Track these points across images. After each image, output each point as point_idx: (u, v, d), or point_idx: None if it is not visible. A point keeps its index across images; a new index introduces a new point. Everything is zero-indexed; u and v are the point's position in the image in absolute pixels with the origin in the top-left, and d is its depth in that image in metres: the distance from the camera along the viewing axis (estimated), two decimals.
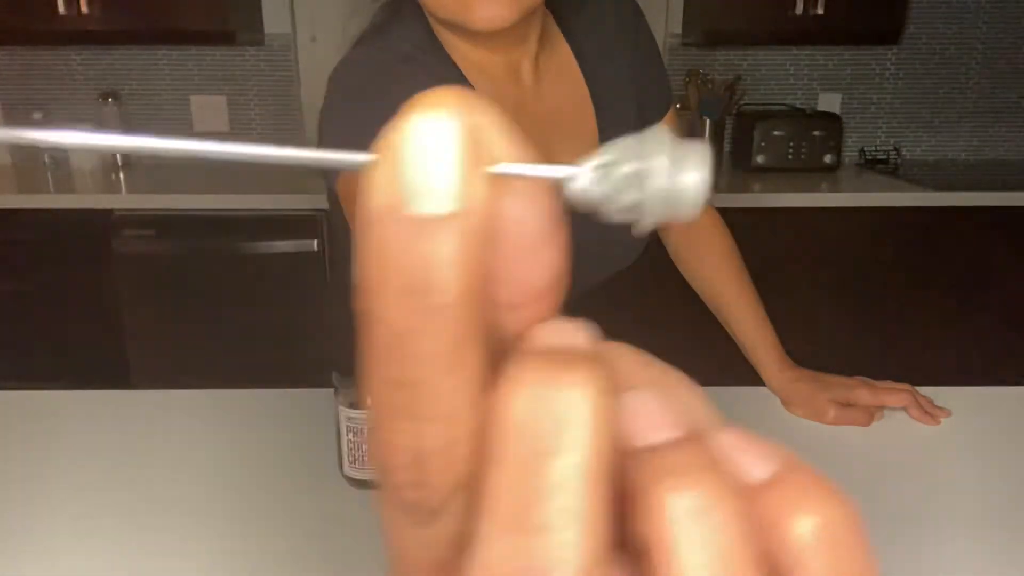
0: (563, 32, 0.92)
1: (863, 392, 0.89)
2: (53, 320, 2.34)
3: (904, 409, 0.89)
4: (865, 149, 2.81)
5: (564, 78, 0.91)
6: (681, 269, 1.07)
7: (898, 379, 0.92)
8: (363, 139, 0.67)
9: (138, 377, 2.36)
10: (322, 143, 0.82)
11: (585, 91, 0.92)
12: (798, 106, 2.75)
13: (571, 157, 0.61)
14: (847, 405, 0.89)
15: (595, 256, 0.90)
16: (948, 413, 0.89)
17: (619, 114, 0.93)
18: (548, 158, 0.70)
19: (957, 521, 0.69)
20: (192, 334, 2.32)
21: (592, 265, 0.92)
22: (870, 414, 0.88)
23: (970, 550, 0.65)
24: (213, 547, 0.65)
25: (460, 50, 0.85)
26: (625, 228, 0.71)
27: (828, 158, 2.59)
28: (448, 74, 0.83)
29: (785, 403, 0.93)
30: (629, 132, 0.60)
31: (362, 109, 0.78)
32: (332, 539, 0.66)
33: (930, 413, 0.88)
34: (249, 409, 0.91)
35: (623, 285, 1.14)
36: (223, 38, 2.41)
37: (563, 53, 0.92)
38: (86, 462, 0.79)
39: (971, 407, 0.91)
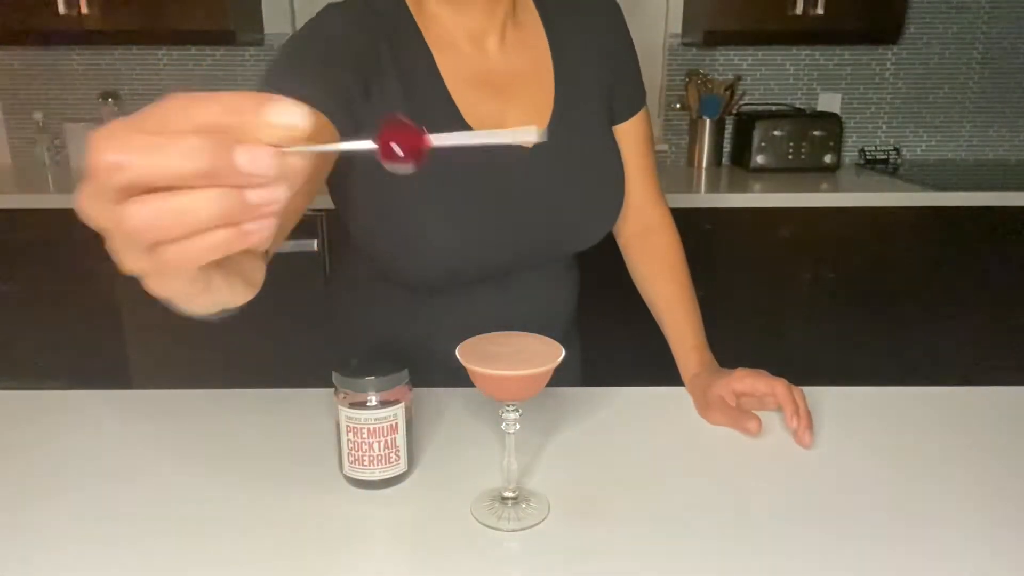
0: (536, 5, 0.96)
1: (751, 380, 0.86)
2: (53, 320, 2.34)
3: (783, 411, 0.84)
4: (865, 149, 2.82)
5: (529, 48, 0.93)
6: (628, 266, 1.07)
7: (898, 379, 0.92)
8: (304, 69, 0.73)
9: (138, 377, 2.36)
10: (273, 63, 0.78)
11: (548, 62, 0.94)
12: (798, 106, 2.75)
13: (525, 117, 0.79)
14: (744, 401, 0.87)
15: (547, 233, 0.93)
16: (809, 439, 0.82)
17: (581, 88, 0.95)
18: (500, 120, 0.76)
19: (957, 521, 0.69)
20: (192, 334, 2.32)
21: (544, 241, 0.94)
22: (750, 422, 0.83)
23: (970, 550, 0.65)
24: (213, 547, 0.65)
25: (429, 13, 0.88)
26: (577, 206, 0.84)
27: (828, 158, 2.59)
28: (409, 37, 0.87)
29: (696, 405, 0.91)
30: (589, 107, 0.80)
31: (319, 46, 0.80)
32: (332, 539, 0.66)
33: (799, 427, 0.82)
34: (249, 409, 0.91)
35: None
36: (223, 38, 2.40)
37: (532, 24, 0.95)
38: (86, 462, 0.79)
39: (971, 407, 0.91)
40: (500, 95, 0.90)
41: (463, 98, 0.87)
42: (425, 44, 0.87)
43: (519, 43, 0.93)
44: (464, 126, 0.86)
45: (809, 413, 0.83)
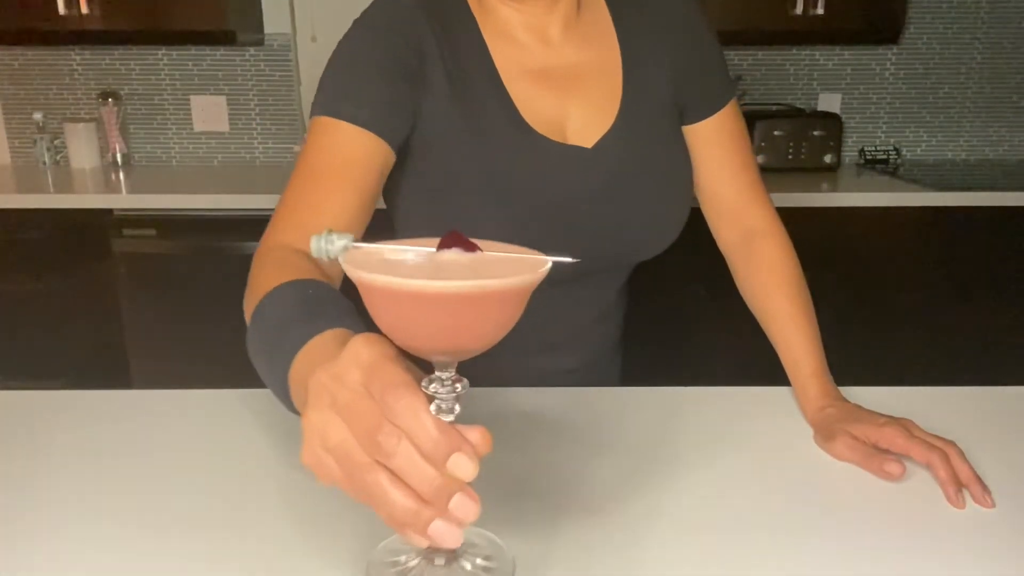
0: (607, 1, 0.92)
1: (891, 432, 0.74)
2: (53, 320, 2.33)
3: (929, 469, 0.73)
4: (865, 149, 2.82)
5: (594, 43, 0.89)
6: (734, 277, 1.02)
7: (897, 379, 0.91)
8: (363, 74, 0.77)
9: (138, 377, 2.36)
10: (328, 63, 0.82)
11: (617, 59, 0.89)
12: (798, 106, 2.75)
13: (588, 114, 0.79)
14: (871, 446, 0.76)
15: (611, 238, 0.89)
16: (990, 504, 0.70)
17: (650, 89, 0.90)
18: (561, 116, 0.75)
19: (957, 521, 0.69)
20: (192, 334, 2.32)
21: (608, 246, 0.90)
22: (890, 464, 0.72)
23: (970, 550, 0.65)
24: (213, 547, 0.65)
25: (488, 7, 0.87)
26: (643, 212, 0.78)
27: (828, 158, 2.59)
28: (464, 28, 0.85)
29: (815, 435, 0.81)
30: (656, 109, 0.83)
31: (368, 53, 0.81)
32: (332, 539, 0.66)
33: (959, 488, 0.70)
34: (249, 409, 0.91)
35: (646, 282, 1.12)
36: (223, 38, 2.40)
37: (600, 19, 0.90)
38: (86, 462, 0.79)
39: (972, 407, 0.91)
40: (560, 90, 0.86)
41: (520, 92, 0.84)
42: (480, 36, 0.85)
43: (584, 37, 0.89)
44: (520, 120, 0.83)
45: (977, 478, 0.71)
